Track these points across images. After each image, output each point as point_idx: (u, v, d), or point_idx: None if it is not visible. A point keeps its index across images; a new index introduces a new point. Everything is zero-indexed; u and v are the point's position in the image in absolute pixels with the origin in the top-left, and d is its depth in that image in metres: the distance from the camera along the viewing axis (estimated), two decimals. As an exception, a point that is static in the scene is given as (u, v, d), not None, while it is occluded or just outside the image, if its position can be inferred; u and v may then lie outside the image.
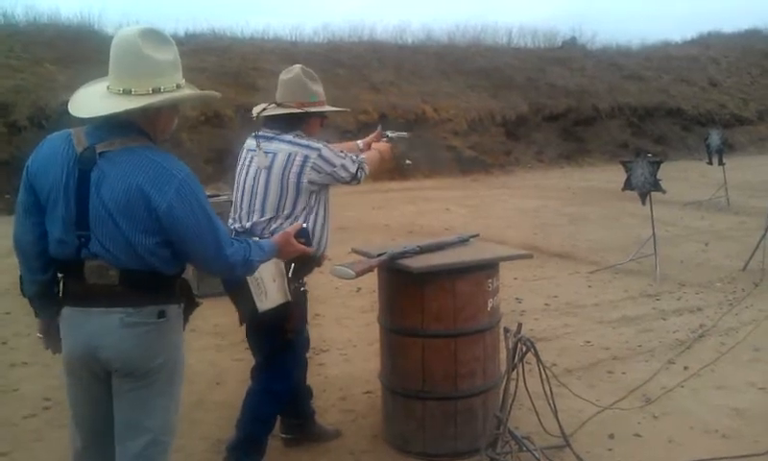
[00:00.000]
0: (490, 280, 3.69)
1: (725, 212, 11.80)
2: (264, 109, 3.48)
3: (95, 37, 16.43)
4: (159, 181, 2.30)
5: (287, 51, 19.82)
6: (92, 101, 2.38)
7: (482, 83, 21.33)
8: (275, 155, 3.35)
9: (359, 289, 6.96)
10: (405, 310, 3.67)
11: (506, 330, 3.42)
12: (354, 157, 3.50)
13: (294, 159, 3.31)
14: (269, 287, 3.11)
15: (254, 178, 3.40)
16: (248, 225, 3.37)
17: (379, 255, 3.58)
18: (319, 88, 3.51)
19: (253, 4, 38.91)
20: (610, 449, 3.86)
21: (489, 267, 3.70)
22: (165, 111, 2.46)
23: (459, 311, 3.59)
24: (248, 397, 3.52)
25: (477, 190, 15.19)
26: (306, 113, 3.44)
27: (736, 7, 51.27)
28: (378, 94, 19.20)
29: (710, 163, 12.79)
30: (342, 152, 3.50)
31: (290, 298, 3.17)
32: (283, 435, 3.89)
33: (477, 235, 4.15)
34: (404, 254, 3.62)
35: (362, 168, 3.49)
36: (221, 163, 15.01)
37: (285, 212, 3.33)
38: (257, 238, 3.12)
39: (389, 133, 4.01)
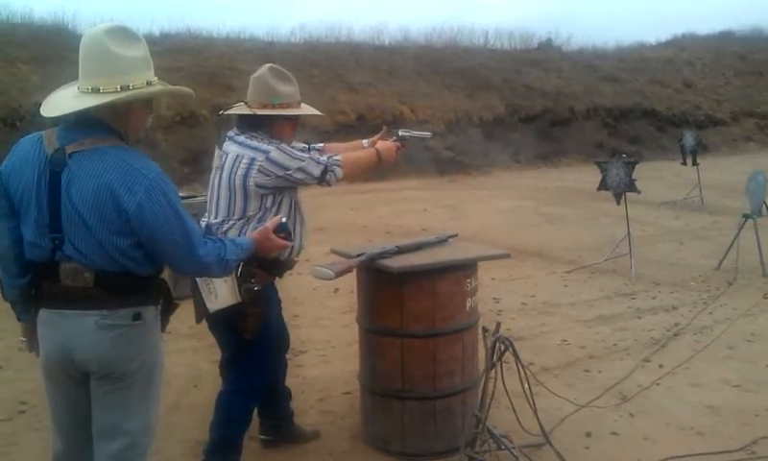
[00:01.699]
0: (468, 280, 3.71)
1: (699, 212, 11.95)
2: (228, 109, 3.44)
3: (69, 37, 16.23)
4: (129, 180, 2.28)
5: (263, 51, 19.72)
6: (62, 101, 2.37)
7: (459, 84, 21.40)
8: (226, 156, 3.31)
9: (337, 290, 6.95)
10: (384, 310, 3.67)
11: (485, 330, 3.44)
12: (321, 159, 3.37)
13: (240, 162, 3.25)
14: (219, 288, 3.08)
15: (213, 178, 3.38)
16: (204, 224, 3.34)
17: (358, 256, 3.57)
18: (287, 89, 3.38)
19: (230, 4, 38.69)
20: (587, 448, 3.89)
21: (467, 267, 3.72)
22: (136, 109, 2.43)
23: (438, 311, 3.60)
24: (219, 398, 3.50)
25: (455, 191, 15.25)
26: (254, 115, 3.32)
27: (710, 9, 51.95)
28: (356, 95, 19.19)
29: (685, 164, 12.94)
30: (307, 153, 3.39)
31: (240, 299, 3.12)
32: (262, 437, 3.87)
33: (455, 235, 4.17)
34: (383, 255, 3.62)
35: (331, 170, 3.35)
36: (197, 164, 14.88)
37: (236, 216, 3.28)
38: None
39: (400, 132, 3.80)
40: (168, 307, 2.58)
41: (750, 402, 4.41)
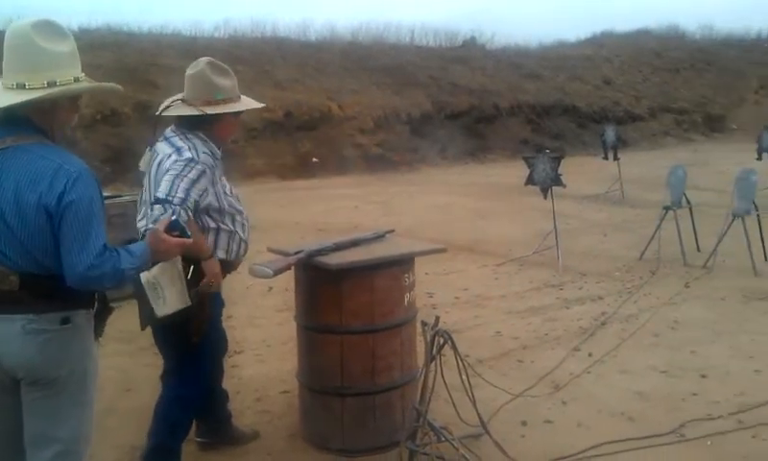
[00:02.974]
0: (406, 275, 3.73)
1: (621, 205, 12.34)
2: (167, 108, 3.31)
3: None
4: (51, 177, 2.23)
5: (186, 46, 19.36)
6: None
7: (386, 80, 21.50)
8: (155, 155, 3.23)
9: (271, 289, 6.89)
10: (323, 307, 3.66)
11: (424, 324, 3.46)
12: (174, 195, 2.99)
13: (163, 161, 3.16)
14: (167, 292, 2.99)
15: (143, 181, 3.30)
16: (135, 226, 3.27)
17: (296, 253, 3.55)
18: (227, 83, 3.29)
19: (151, -2, 37.79)
20: (523, 436, 3.98)
21: (405, 262, 3.74)
22: (63, 106, 2.38)
23: (377, 307, 3.62)
24: (159, 403, 3.43)
25: (385, 187, 15.30)
26: (203, 115, 3.20)
27: (628, 7, 53.76)
28: (283, 91, 19.04)
29: (606, 158, 13.33)
30: (184, 180, 3.06)
31: (190, 302, 3.04)
32: (199, 439, 3.81)
33: (392, 231, 4.19)
34: (321, 252, 3.61)
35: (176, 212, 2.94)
36: (119, 163, 14.50)
37: None
38: None
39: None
40: (103, 312, 2.52)
41: (676, 387, 4.59)
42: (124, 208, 6.98)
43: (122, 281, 2.40)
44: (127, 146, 14.75)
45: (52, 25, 2.33)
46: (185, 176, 3.06)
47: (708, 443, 3.84)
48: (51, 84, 2.26)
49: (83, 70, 2.41)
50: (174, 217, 2.69)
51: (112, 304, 2.56)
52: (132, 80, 16.71)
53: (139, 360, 5.12)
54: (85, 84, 2.38)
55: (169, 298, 2.97)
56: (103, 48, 17.71)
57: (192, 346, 3.23)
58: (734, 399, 4.38)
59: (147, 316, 3.05)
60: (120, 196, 7.52)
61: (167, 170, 3.07)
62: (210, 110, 3.22)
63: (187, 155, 3.12)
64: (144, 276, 2.91)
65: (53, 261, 2.27)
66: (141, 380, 4.73)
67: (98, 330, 2.50)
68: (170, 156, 3.13)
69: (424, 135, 20.24)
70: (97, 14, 26.55)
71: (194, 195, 3.07)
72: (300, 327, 3.86)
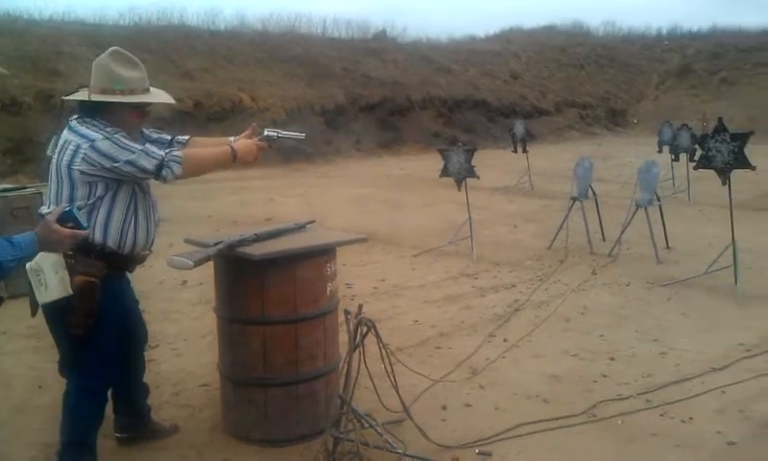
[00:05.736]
0: (328, 265, 3.74)
1: (530, 196, 12.73)
2: (70, 95, 3.22)
3: None
4: None
5: (90, 34, 18.71)
6: None
7: (299, 72, 21.38)
8: (63, 143, 3.14)
9: (185, 282, 6.78)
10: (245, 299, 3.63)
11: (347, 312, 3.49)
12: (156, 153, 3.15)
13: (67, 148, 3.09)
14: (50, 279, 2.93)
15: (51, 166, 3.19)
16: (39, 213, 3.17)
17: (216, 244, 3.50)
18: (132, 74, 3.19)
19: (52, -16, 36.19)
20: (443, 420, 4.06)
21: (327, 252, 3.75)
22: None
23: (299, 297, 3.61)
24: (64, 398, 3.33)
25: (300, 179, 15.24)
26: (92, 102, 3.12)
27: (535, 4, 55.23)
28: (192, 81, 18.65)
29: (515, 151, 13.72)
30: (138, 146, 3.14)
31: (70, 292, 2.98)
32: (118, 435, 3.72)
33: (313, 221, 4.19)
34: (242, 242, 3.58)
35: (168, 166, 3.14)
36: (20, 154, 13.87)
37: (64, 204, 3.01)
38: None
39: (266, 132, 3.68)
40: None
41: (587, 370, 4.78)
42: (29, 201, 6.73)
43: (2, 272, 2.35)
44: (28, 136, 14.12)
45: None
46: (118, 140, 3.07)
47: (620, 422, 4.02)
48: None
49: None
50: (67, 208, 2.63)
51: (2, 296, 2.53)
52: (35, 68, 16.06)
53: (50, 356, 4.88)
54: None
55: (51, 285, 2.92)
56: (1, 35, 16.90)
57: (83, 338, 3.12)
58: (642, 380, 4.60)
59: (35, 303, 3.00)
60: (25, 188, 7.24)
61: (102, 153, 3.03)
62: (97, 98, 3.12)
63: (97, 134, 3.06)
64: (27, 262, 2.84)
65: None
66: (52, 377, 4.52)
67: None
68: (79, 146, 3.05)
69: (338, 127, 20.26)
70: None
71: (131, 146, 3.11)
72: (221, 319, 3.82)
